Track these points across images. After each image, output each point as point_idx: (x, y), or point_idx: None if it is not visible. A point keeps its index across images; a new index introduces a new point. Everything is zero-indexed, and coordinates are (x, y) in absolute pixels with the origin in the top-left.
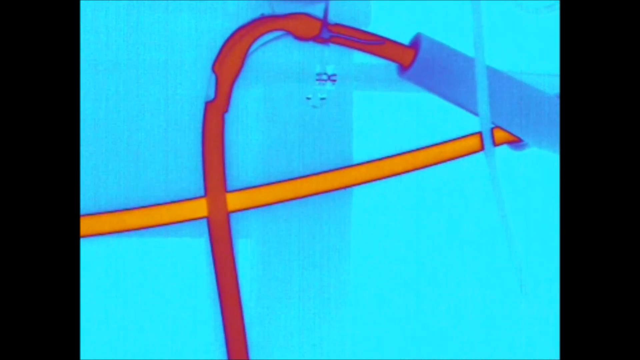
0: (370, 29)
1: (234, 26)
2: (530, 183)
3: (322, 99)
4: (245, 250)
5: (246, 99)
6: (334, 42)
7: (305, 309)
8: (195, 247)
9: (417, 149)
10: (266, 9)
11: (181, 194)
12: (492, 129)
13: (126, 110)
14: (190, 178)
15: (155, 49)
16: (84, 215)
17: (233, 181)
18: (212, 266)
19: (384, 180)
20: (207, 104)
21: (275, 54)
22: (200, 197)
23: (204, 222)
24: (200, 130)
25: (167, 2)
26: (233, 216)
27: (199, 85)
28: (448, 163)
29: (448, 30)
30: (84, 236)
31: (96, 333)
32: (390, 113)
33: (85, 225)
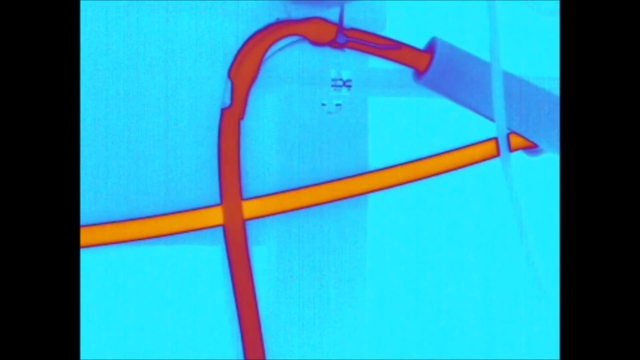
0: (386, 33)
1: (246, 28)
2: (536, 186)
3: (338, 105)
4: (261, 258)
5: (261, 104)
6: (349, 47)
7: (322, 315)
8: (211, 255)
9: (433, 155)
10: (281, 13)
11: (196, 201)
12: (508, 135)
13: (132, 112)
14: (205, 186)
15: (157, 50)
16: (95, 224)
17: (248, 188)
18: (228, 274)
19: (399, 187)
20: (223, 110)
21: (290, 59)
22: (216, 205)
23: (220, 230)
24: (215, 137)
25: (168, 2)
26: (249, 224)
27: (207, 81)
28: (464, 169)
29: (464, 34)
30: (95, 245)
31: (103, 347)
32: (406, 118)
33: (95, 234)
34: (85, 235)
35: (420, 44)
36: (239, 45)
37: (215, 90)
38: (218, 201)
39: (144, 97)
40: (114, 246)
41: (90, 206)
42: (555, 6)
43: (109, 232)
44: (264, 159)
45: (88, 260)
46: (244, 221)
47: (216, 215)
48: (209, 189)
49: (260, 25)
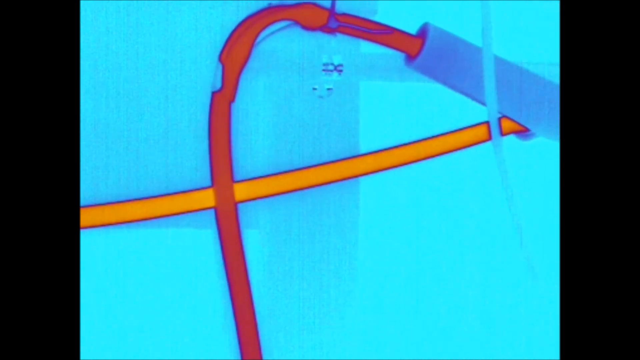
0: (377, 19)
1: (239, 15)
2: (531, 172)
3: (329, 89)
4: (253, 241)
5: (252, 88)
6: (341, 32)
7: (314, 299)
8: (202, 238)
9: (424, 139)
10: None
11: (188, 184)
12: (499, 119)
13: (128, 100)
14: (196, 168)
15: (157, 41)
16: (86, 206)
17: (240, 171)
18: (220, 257)
19: (391, 170)
20: (214, 93)
21: (281, 43)
22: (208, 187)
23: (212, 212)
24: (206, 121)
25: (168, 2)
26: (241, 206)
27: (205, 76)
28: (455, 153)
29: (455, 19)
30: (87, 227)
31: (100, 329)
32: (397, 103)
33: (88, 216)
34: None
35: (412, 29)
36: (230, 29)
37: (207, 76)
38: (209, 183)
39: (144, 91)
40: (106, 229)
41: (83, 190)
42: None
43: (101, 215)
44: (255, 142)
45: (81, 242)
46: (236, 203)
47: (208, 198)
48: (200, 171)
49: (252, 10)
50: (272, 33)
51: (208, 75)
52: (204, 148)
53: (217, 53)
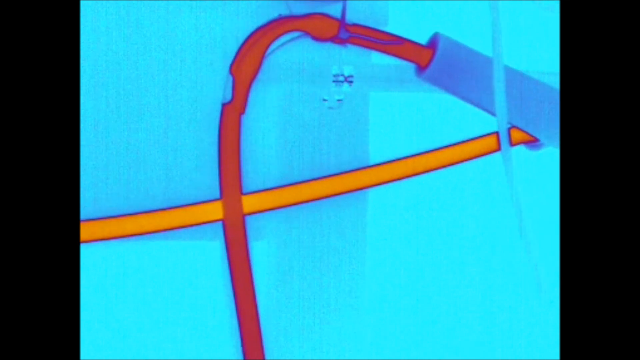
0: (388, 29)
1: (247, 25)
2: (537, 181)
3: (339, 100)
4: (261, 253)
5: (262, 99)
6: (351, 43)
7: (322, 311)
8: (210, 250)
9: (433, 150)
10: (283, 10)
11: (196, 196)
12: (509, 129)
13: (132, 108)
14: (205, 180)
15: (158, 49)
16: (90, 219)
17: (248, 183)
18: (227, 269)
19: (399, 181)
20: (224, 105)
21: (291, 54)
22: (216, 199)
23: (220, 225)
24: (216, 132)
25: (168, 3)
26: (248, 219)
27: (214, 86)
28: (465, 163)
29: (466, 28)
30: (91, 241)
31: (104, 342)
32: (407, 114)
33: (92, 229)
34: (84, 230)
35: (422, 39)
36: (240, 42)
37: (215, 86)
38: (218, 196)
39: (144, 94)
40: (114, 241)
41: (90, 201)
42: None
43: (108, 227)
44: (265, 153)
45: (88, 255)
46: (244, 216)
47: (216, 210)
48: (209, 183)
49: (262, 21)
50: (283, 44)
51: (211, 76)
52: (213, 160)
53: (219, 51)
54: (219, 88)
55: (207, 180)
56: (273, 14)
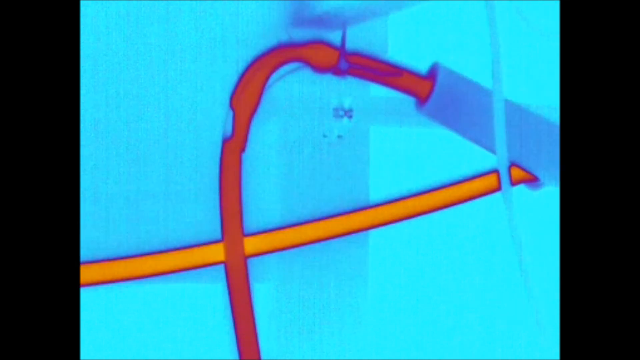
0: (388, 56)
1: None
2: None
3: (339, 136)
4: (262, 295)
5: (262, 135)
6: (351, 74)
7: (323, 352)
8: (212, 292)
9: (433, 190)
10: (283, 37)
11: (197, 237)
12: (509, 168)
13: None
14: (206, 221)
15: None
16: (91, 261)
17: (249, 222)
18: (229, 311)
19: (400, 222)
20: (225, 141)
21: (291, 88)
22: (217, 240)
23: (221, 266)
24: (216, 170)
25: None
26: (250, 260)
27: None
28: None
29: (466, 56)
30: (92, 284)
31: None
32: (407, 149)
33: (93, 272)
34: (84, 273)
35: (422, 66)
36: (240, 71)
37: (215, 121)
38: (219, 237)
39: (144, 120)
40: (114, 284)
41: (89, 244)
42: (555, 28)
43: (108, 270)
44: (265, 192)
45: (87, 298)
46: (246, 258)
47: (217, 252)
48: (210, 224)
49: (262, 48)
50: (282, 76)
51: (210, 110)
52: (213, 199)
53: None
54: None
55: (209, 221)
56: (274, 38)
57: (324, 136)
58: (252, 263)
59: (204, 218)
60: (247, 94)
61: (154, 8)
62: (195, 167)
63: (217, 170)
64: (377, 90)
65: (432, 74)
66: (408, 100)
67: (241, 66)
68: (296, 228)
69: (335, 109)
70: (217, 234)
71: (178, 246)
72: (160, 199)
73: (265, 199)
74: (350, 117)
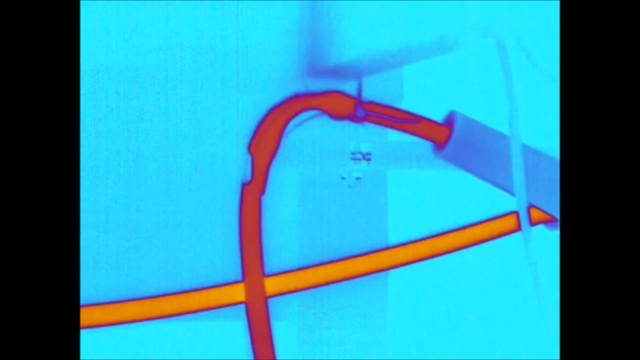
0: (403, 105)
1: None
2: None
3: (357, 178)
4: (283, 333)
5: (281, 178)
6: (368, 121)
7: None
8: (233, 331)
9: (453, 230)
10: (300, 87)
11: (218, 278)
12: (528, 209)
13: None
14: (227, 262)
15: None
16: (116, 302)
17: (269, 263)
18: (250, 350)
19: (419, 262)
20: (244, 186)
21: (309, 132)
22: (238, 281)
23: (242, 306)
24: (236, 212)
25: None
26: (270, 300)
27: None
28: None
29: (481, 105)
30: (116, 324)
31: None
32: (426, 191)
33: (111, 313)
34: (104, 314)
35: (438, 116)
36: (259, 119)
37: (235, 167)
38: (240, 277)
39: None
40: (136, 324)
41: (109, 285)
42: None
43: (132, 310)
44: (285, 234)
45: (107, 339)
46: (266, 298)
47: (238, 292)
48: (231, 265)
49: (279, 96)
50: (300, 123)
51: (230, 157)
52: (233, 241)
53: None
54: (238, 168)
55: (229, 262)
56: (290, 88)
57: (343, 178)
58: (273, 303)
59: (225, 259)
60: (266, 140)
61: (172, 55)
62: (214, 210)
63: (236, 213)
64: (395, 135)
65: (449, 120)
66: (425, 144)
67: (259, 113)
68: (316, 268)
69: (354, 153)
70: (238, 275)
71: (199, 287)
72: (182, 241)
73: (284, 240)
74: (368, 160)
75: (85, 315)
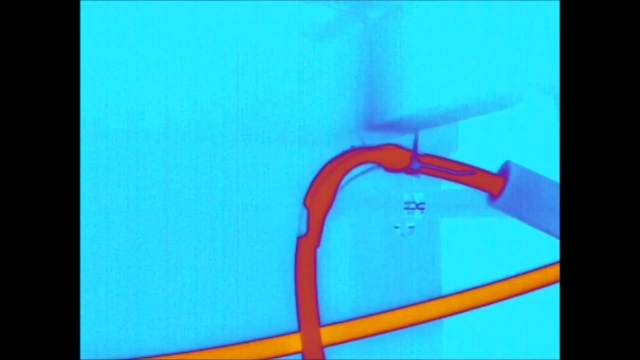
0: (457, 155)
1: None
2: None
3: (411, 227)
4: None
5: (335, 228)
6: (423, 173)
7: None
8: None
9: (505, 279)
10: (356, 141)
11: (274, 329)
12: None
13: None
14: (283, 313)
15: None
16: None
17: (324, 313)
18: None
19: (473, 311)
20: (300, 238)
21: (363, 183)
22: (295, 332)
23: (299, 357)
24: (292, 264)
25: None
26: (326, 350)
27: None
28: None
29: (532, 154)
30: None
31: None
32: (478, 239)
33: None
34: None
35: (491, 166)
36: (315, 172)
37: (291, 219)
38: (296, 328)
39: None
40: None
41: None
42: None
43: None
44: (339, 284)
45: None
46: (322, 347)
47: (295, 342)
48: (287, 316)
49: (336, 152)
50: (356, 176)
51: (287, 206)
52: (289, 292)
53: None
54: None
55: (286, 313)
56: (347, 142)
57: (396, 227)
58: (329, 352)
59: (281, 310)
60: (321, 193)
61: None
62: (269, 262)
63: (291, 265)
64: (447, 184)
65: (504, 171)
66: (477, 193)
67: (316, 166)
68: (371, 318)
69: (407, 203)
70: (294, 325)
71: (256, 337)
72: (239, 293)
73: (339, 290)
74: (422, 209)
75: None
